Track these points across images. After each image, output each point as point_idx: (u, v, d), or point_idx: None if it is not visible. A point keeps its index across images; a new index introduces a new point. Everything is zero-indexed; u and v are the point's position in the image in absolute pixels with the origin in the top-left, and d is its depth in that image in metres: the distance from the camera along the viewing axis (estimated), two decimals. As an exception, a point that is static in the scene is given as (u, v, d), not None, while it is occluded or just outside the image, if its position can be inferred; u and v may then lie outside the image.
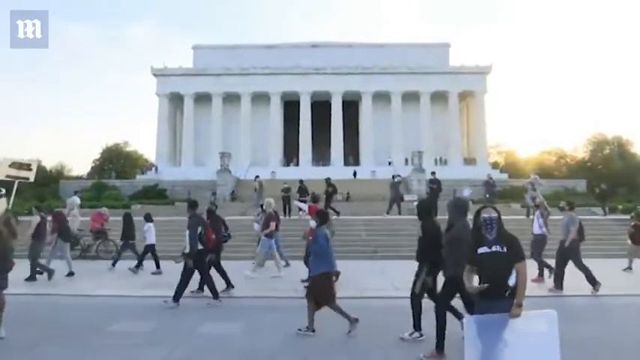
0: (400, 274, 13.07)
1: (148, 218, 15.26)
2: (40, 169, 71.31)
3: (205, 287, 9.83)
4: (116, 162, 72.91)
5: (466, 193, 26.07)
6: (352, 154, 58.19)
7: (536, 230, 11.92)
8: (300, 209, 18.56)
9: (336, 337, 7.09)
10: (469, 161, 57.50)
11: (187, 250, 9.39)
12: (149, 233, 14.81)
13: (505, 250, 4.74)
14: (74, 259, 17.00)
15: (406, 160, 51.60)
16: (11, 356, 6.31)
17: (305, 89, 57.45)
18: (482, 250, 4.81)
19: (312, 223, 7.50)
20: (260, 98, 58.10)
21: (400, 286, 11.10)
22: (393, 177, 24.95)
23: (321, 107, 58.24)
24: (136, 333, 7.32)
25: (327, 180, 24.52)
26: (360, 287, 11.11)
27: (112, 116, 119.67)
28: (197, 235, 9.37)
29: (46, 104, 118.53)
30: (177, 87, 58.31)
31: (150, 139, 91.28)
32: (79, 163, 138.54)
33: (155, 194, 40.07)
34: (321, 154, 57.83)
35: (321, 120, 57.88)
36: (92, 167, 73.93)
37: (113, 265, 14.71)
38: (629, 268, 13.85)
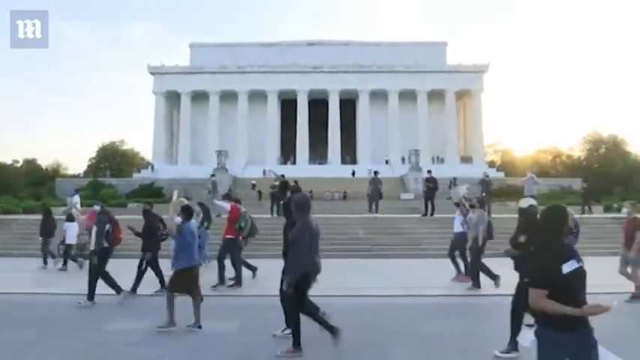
0: (396, 273, 13.14)
1: (70, 218, 15.23)
2: (36, 168, 71.27)
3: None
4: (112, 160, 72.86)
5: (463, 190, 26.07)
6: (349, 153, 58.19)
7: (457, 229, 11.93)
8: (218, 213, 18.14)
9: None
10: (466, 160, 57.58)
11: (93, 247, 9.43)
12: (68, 233, 14.74)
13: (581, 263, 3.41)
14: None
15: (403, 159, 51.68)
16: (7, 355, 6.30)
17: (302, 87, 57.41)
18: (569, 266, 3.29)
19: (177, 219, 7.53)
20: (257, 96, 58.02)
21: (398, 285, 11.15)
22: (375, 172, 24.40)
23: (318, 106, 58.22)
24: (132, 331, 7.30)
25: (281, 177, 24.46)
26: (357, 286, 11.10)
27: (108, 114, 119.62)
28: (104, 233, 9.36)
29: (43, 103, 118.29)
30: (174, 85, 58.20)
31: (146, 137, 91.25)
32: (76, 162, 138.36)
33: (151, 192, 39.98)
34: (318, 153, 57.82)
35: (318, 118, 57.87)
36: (88, 165, 73.87)
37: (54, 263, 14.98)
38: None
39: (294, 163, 56.25)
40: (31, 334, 7.13)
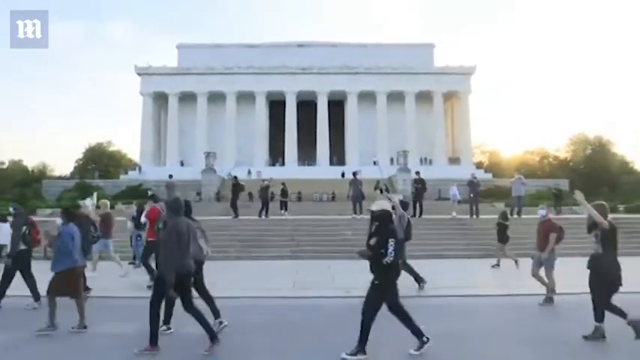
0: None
1: (2, 219, 14.94)
2: (22, 169, 70.47)
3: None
4: (99, 162, 72.25)
5: (454, 191, 26.24)
6: (338, 154, 58.27)
7: None
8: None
9: (327, 334, 7.11)
10: (454, 161, 57.96)
11: (9, 250, 9.21)
12: (1, 233, 14.54)
13: None
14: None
15: (391, 160, 51.88)
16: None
17: (290, 89, 57.43)
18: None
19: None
20: (245, 98, 57.93)
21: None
22: (354, 173, 24.19)
23: (306, 107, 58.27)
24: (123, 334, 7.27)
25: (234, 178, 24.59)
26: (345, 286, 11.13)
27: (95, 115, 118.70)
28: (20, 235, 9.19)
29: (28, 103, 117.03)
30: (161, 86, 57.92)
31: (134, 138, 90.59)
32: (62, 163, 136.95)
33: (139, 194, 39.70)
34: (306, 154, 57.84)
35: (306, 120, 57.92)
36: (75, 167, 73.19)
37: None
38: (497, 265, 14.22)
39: (282, 164, 56.24)
40: (16, 336, 7.06)
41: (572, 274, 8.80)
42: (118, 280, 11.97)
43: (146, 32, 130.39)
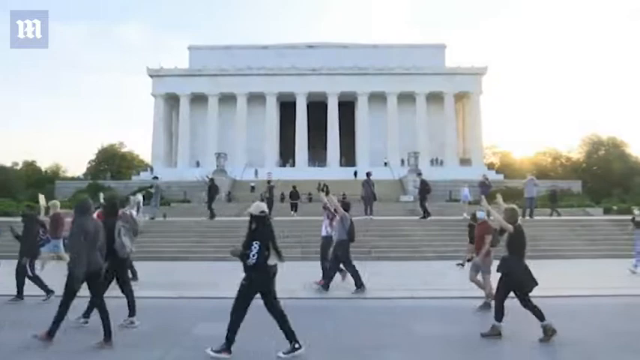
0: (395, 275, 13.14)
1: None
2: (36, 170, 71.19)
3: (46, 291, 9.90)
4: (112, 163, 72.79)
5: (465, 192, 26.18)
6: (348, 155, 58.19)
7: (322, 232, 11.92)
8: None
9: (330, 336, 7.09)
10: (465, 162, 57.65)
11: None
12: None
13: None
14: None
15: (402, 161, 51.74)
16: (5, 358, 6.29)
17: (301, 90, 57.48)
18: None
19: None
20: (256, 99, 58.08)
21: (397, 287, 11.15)
22: (367, 175, 24.19)
23: (317, 108, 58.28)
24: (130, 334, 7.30)
25: (210, 180, 24.83)
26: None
27: (107, 117, 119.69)
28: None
29: (42, 105, 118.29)
30: (173, 87, 58.25)
31: (146, 139, 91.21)
32: (75, 164, 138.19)
33: (150, 194, 39.93)
34: (317, 155, 57.84)
35: (317, 121, 57.93)
36: (88, 168, 73.80)
37: None
38: (462, 265, 14.06)
39: (293, 165, 56.27)
40: (26, 336, 7.12)
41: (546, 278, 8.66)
42: (63, 280, 12.06)
43: (158, 34, 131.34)
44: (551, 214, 25.22)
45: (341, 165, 55.58)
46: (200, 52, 61.12)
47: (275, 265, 6.26)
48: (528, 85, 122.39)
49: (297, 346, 6.06)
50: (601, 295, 10.14)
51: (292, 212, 26.25)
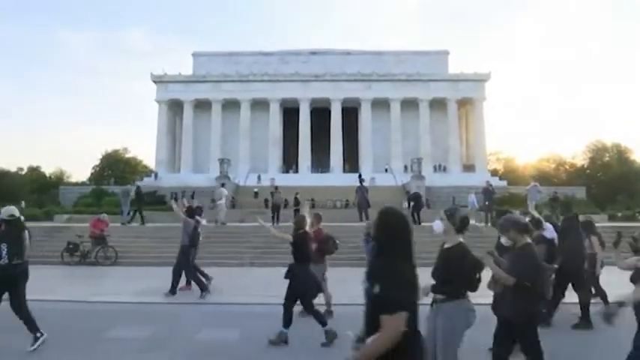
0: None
1: None
2: (40, 175, 71.33)
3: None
4: (116, 168, 73.02)
5: (472, 198, 26.18)
6: (350, 161, 58.14)
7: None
8: None
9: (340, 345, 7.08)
10: (468, 168, 57.54)
11: None
12: None
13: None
14: (75, 265, 17.02)
15: (405, 167, 51.70)
16: (9, 362, 6.31)
17: (304, 96, 57.57)
18: None
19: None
20: (259, 105, 58.20)
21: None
22: (361, 181, 24.06)
23: (320, 114, 58.33)
24: (135, 339, 7.32)
25: (137, 187, 25.15)
26: (359, 294, 11.08)
27: (111, 123, 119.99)
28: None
29: (46, 110, 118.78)
30: (176, 94, 58.40)
31: (149, 145, 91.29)
32: (79, 170, 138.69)
33: (154, 200, 40.01)
34: (320, 161, 57.82)
35: (320, 127, 57.95)
36: (92, 173, 74.03)
37: None
38: None
39: (296, 171, 56.26)
40: (30, 341, 7.13)
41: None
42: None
43: (162, 41, 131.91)
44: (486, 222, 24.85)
45: (344, 171, 55.53)
46: (204, 58, 61.32)
47: (22, 264, 6.66)
48: (532, 91, 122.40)
49: (38, 335, 6.62)
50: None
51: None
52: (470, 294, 4.45)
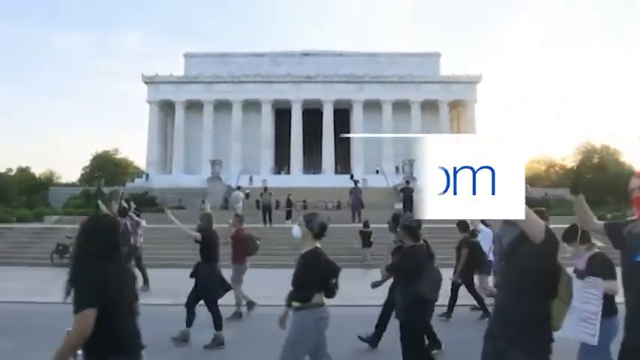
0: (389, 282, 13.09)
1: None
2: (29, 176, 70.79)
3: None
4: (106, 169, 72.47)
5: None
6: (342, 163, 58.17)
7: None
8: None
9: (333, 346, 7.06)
10: (460, 169, 57.70)
11: None
12: None
13: None
14: (65, 267, 16.84)
15: (397, 169, 51.82)
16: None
17: (296, 97, 57.57)
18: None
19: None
20: (251, 106, 58.11)
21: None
22: (355, 182, 24.13)
23: (312, 115, 58.34)
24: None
25: (97, 186, 25.27)
26: (352, 296, 11.08)
27: (102, 123, 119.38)
28: None
29: (36, 111, 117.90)
30: (168, 94, 58.19)
31: (140, 146, 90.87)
32: (69, 171, 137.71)
33: (145, 201, 39.78)
34: (312, 163, 57.82)
35: (312, 128, 57.96)
36: (82, 174, 73.48)
37: None
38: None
39: (288, 172, 56.23)
40: (20, 342, 7.07)
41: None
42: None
43: (153, 42, 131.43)
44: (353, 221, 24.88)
45: (336, 172, 55.57)
46: (195, 59, 61.14)
47: None
48: (522, 93, 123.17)
49: None
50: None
51: (287, 220, 26.17)
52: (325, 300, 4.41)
